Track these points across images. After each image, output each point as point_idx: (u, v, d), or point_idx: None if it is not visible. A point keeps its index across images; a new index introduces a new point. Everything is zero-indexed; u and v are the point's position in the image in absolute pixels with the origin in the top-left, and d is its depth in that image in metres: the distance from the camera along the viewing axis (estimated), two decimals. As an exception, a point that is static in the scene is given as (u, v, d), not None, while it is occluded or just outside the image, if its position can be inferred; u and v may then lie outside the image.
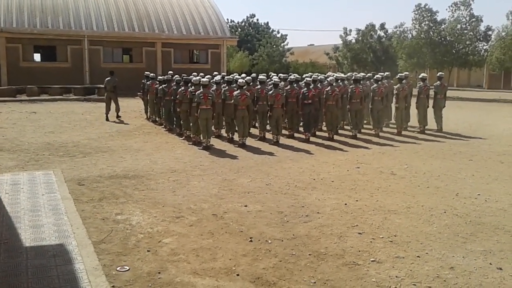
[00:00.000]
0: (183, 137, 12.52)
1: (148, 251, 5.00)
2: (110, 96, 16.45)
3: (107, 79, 16.74)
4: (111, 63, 29.04)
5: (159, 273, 4.49)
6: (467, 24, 30.96)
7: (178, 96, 12.01)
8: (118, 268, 4.56)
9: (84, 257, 4.72)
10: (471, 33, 30.97)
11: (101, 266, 4.54)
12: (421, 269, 4.65)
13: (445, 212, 6.46)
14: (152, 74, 16.15)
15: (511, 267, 4.70)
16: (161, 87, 13.81)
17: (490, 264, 4.78)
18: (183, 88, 11.95)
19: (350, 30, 38.51)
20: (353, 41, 38.30)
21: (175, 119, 13.11)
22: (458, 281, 4.40)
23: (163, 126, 14.49)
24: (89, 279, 4.25)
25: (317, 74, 15.09)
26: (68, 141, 11.80)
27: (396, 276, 4.48)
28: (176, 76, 13.56)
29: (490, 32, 30.80)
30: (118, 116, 16.63)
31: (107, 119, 16.15)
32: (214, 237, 5.47)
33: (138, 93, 17.56)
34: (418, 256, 4.95)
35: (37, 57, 29.33)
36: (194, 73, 14.29)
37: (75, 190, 7.31)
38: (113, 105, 16.50)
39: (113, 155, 10.26)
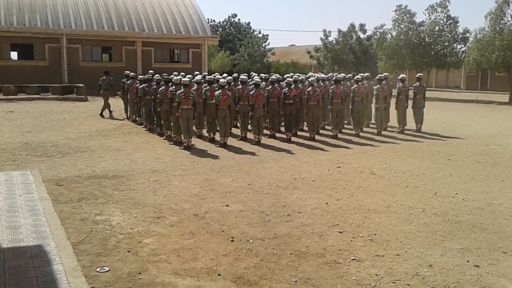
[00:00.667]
0: (164, 137, 12.44)
1: (128, 251, 4.95)
2: (105, 94, 16.87)
3: (102, 78, 17.13)
4: (90, 62, 28.72)
5: (140, 273, 4.45)
6: (445, 25, 31.47)
7: (158, 95, 11.93)
8: (97, 269, 4.50)
9: (63, 258, 4.65)
10: (449, 34, 31.49)
11: (80, 267, 4.49)
12: (400, 267, 4.72)
13: (423, 211, 6.56)
14: (132, 74, 16.01)
15: (488, 265, 4.80)
16: (141, 86, 13.69)
17: (468, 261, 4.87)
18: (163, 87, 11.87)
19: (330, 32, 38.85)
20: (334, 42, 38.59)
21: (155, 118, 13.02)
22: (437, 278, 4.47)
23: (143, 125, 14.38)
24: (68, 280, 4.19)
25: (298, 74, 15.16)
26: (46, 141, 11.61)
27: (376, 274, 4.54)
28: (157, 75, 13.46)
29: (467, 34, 31.37)
30: (101, 114, 16.90)
31: (108, 114, 16.87)
32: (195, 237, 5.45)
33: (118, 92, 17.40)
34: (397, 254, 5.02)
35: (14, 55, 28.81)
36: (175, 73, 14.21)
37: (54, 190, 7.20)
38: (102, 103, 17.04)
39: (93, 155, 10.13)
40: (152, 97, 12.66)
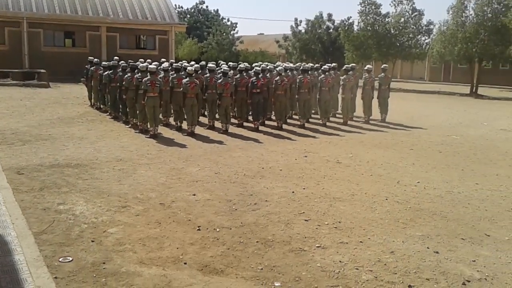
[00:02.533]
0: (130, 125, 12.23)
1: (92, 241, 4.88)
2: None
3: None
4: (52, 47, 27.82)
5: (104, 263, 4.39)
6: (410, 17, 32.01)
7: (124, 82, 11.70)
8: (60, 259, 4.42)
9: (24, 248, 4.54)
10: (414, 26, 32.05)
11: (42, 257, 4.39)
12: (363, 253, 4.83)
13: (386, 199, 6.72)
14: (96, 60, 15.62)
15: (447, 251, 4.97)
16: (106, 73, 13.38)
17: (428, 248, 5.03)
18: (129, 74, 11.64)
19: (301, 21, 38.94)
20: (302, 31, 38.71)
21: (121, 106, 12.78)
22: (398, 264, 4.60)
23: (108, 113, 14.08)
24: (30, 271, 4.09)
25: (266, 63, 15.15)
26: (5, 128, 11.22)
27: (340, 261, 4.63)
28: (122, 62, 13.19)
29: (431, 26, 32.02)
30: None
31: None
32: (161, 226, 5.41)
33: (82, 79, 16.97)
34: (361, 242, 5.13)
35: (-29, 38, 27.55)
36: (141, 59, 13.96)
37: (14, 179, 6.99)
38: None
39: (55, 143, 9.87)
40: (118, 84, 12.41)
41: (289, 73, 13.93)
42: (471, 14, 27.49)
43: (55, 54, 27.32)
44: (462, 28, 27.11)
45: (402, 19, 31.98)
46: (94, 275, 4.16)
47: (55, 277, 4.07)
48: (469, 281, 4.31)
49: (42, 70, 23.27)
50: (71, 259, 4.44)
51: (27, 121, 12.49)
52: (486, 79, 32.19)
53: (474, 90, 28.38)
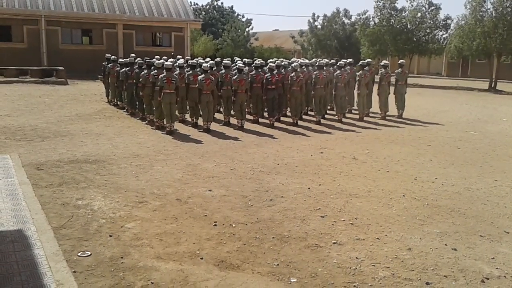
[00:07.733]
0: (146, 122, 12.33)
1: (110, 236, 4.94)
2: None
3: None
4: (70, 44, 28.19)
5: (122, 257, 4.44)
6: (427, 12, 31.62)
7: (141, 79, 11.79)
8: (79, 253, 4.48)
9: (44, 242, 4.61)
10: (431, 21, 31.64)
11: (62, 252, 4.46)
12: (380, 250, 4.80)
13: (404, 195, 6.66)
14: (113, 57, 15.76)
15: (465, 248, 4.92)
16: (123, 70, 13.50)
17: (446, 245, 4.98)
18: (146, 71, 11.72)
19: (318, 16, 38.80)
20: (318, 27, 38.56)
21: (137, 103, 12.88)
22: (415, 261, 4.57)
23: (125, 110, 14.21)
24: (49, 265, 4.16)
25: (281, 59, 15.10)
26: (25, 125, 11.41)
27: (356, 258, 4.61)
28: (138, 59, 13.29)
29: (449, 21, 31.58)
30: None
31: None
32: (178, 221, 5.45)
33: (99, 76, 17.13)
34: (377, 238, 5.10)
35: (-9, 37, 28.03)
36: (157, 56, 14.04)
37: (34, 175, 7.10)
38: None
39: (73, 139, 10.00)
40: (134, 81, 12.51)
41: (305, 69, 13.87)
42: (489, 9, 27.04)
43: (73, 52, 27.70)
44: (480, 22, 26.67)
45: (419, 14, 31.61)
46: (112, 270, 4.21)
47: (74, 271, 4.13)
48: (488, 279, 4.26)
49: (60, 68, 23.59)
50: (89, 253, 4.50)
51: (46, 117, 12.68)
52: (505, 74, 31.69)
53: (492, 85, 27.93)
